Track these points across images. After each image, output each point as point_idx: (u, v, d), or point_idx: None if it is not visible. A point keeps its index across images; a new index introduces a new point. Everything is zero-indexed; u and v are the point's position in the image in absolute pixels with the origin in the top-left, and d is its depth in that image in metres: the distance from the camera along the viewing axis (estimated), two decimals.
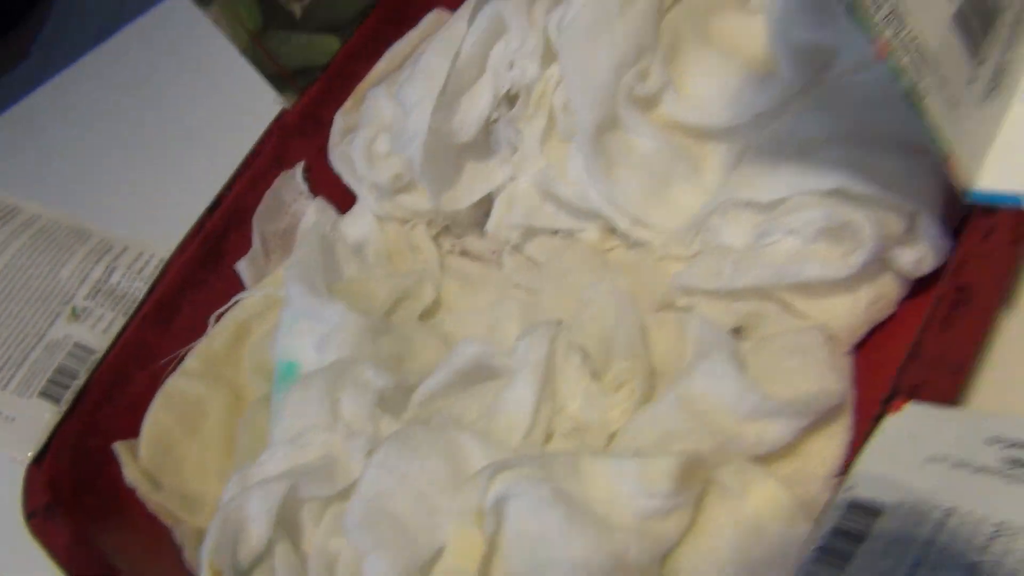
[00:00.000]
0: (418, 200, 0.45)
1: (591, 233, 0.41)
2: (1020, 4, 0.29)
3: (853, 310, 0.33)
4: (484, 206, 0.44)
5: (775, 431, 0.30)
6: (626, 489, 0.29)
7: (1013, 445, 0.21)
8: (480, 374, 0.36)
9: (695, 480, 0.30)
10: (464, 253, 0.46)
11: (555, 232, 0.42)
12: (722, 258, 0.35)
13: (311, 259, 0.42)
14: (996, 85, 0.28)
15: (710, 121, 0.37)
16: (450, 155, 0.43)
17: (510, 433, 0.33)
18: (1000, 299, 0.26)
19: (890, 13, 0.24)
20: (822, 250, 0.32)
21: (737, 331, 0.35)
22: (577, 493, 0.30)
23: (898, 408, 0.25)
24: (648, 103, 0.38)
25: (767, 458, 0.31)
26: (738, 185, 0.35)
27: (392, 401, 0.36)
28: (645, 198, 0.38)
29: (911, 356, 0.26)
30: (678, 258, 0.38)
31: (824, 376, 0.31)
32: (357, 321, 0.39)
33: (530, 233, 0.43)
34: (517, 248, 0.43)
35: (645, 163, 0.38)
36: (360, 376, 0.36)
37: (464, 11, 0.44)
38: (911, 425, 0.24)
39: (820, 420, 0.31)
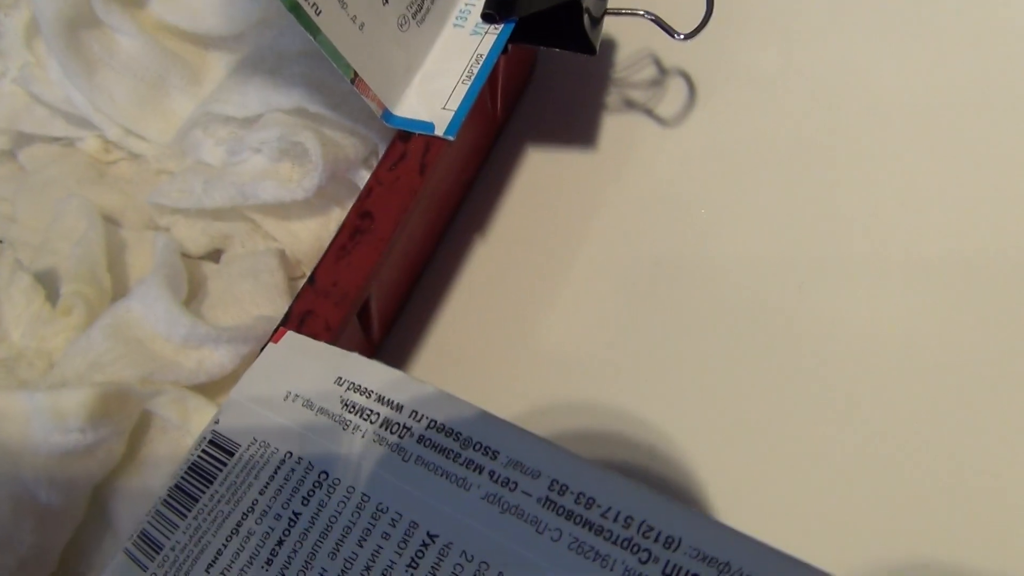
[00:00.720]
0: None
1: (90, 143, 0.37)
2: None
3: (321, 233, 0.32)
4: None
5: (216, 359, 0.29)
6: (39, 425, 0.27)
7: (352, 388, 0.21)
8: None
9: (123, 412, 0.28)
10: None
11: (54, 140, 0.38)
12: (196, 175, 0.33)
13: None
14: (423, 9, 0.28)
15: (203, 28, 0.34)
16: None
17: None
18: (398, 228, 0.26)
19: None
20: (284, 169, 0.31)
21: (215, 254, 0.34)
22: None
23: (278, 338, 0.24)
24: (133, 1, 0.34)
25: (212, 386, 0.30)
26: (218, 98, 0.33)
27: None
28: (136, 106, 0.35)
29: (308, 282, 0.26)
30: (173, 173, 0.36)
31: (272, 301, 0.30)
32: None
33: (22, 139, 0.38)
34: (9, 155, 0.38)
35: (133, 67, 0.35)
36: None
37: None
38: (284, 357, 0.23)
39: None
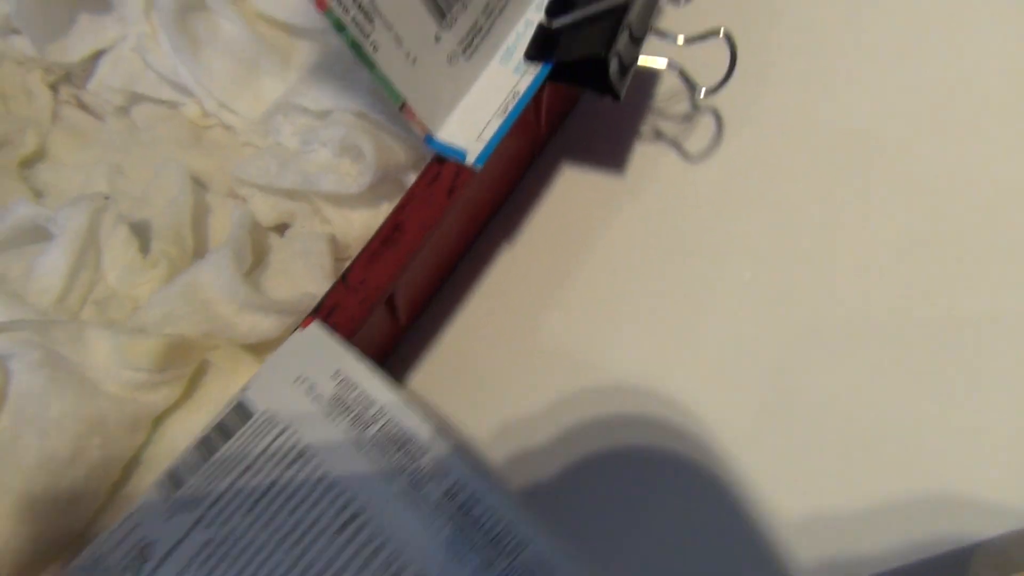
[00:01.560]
0: (29, 44, 0.44)
1: (191, 108, 0.42)
2: None
3: (371, 222, 0.37)
4: None
5: (266, 325, 0.34)
6: (116, 360, 0.33)
7: (342, 383, 0.26)
8: (33, 235, 0.37)
9: (185, 359, 0.33)
10: (82, 106, 0.46)
11: (161, 102, 0.43)
12: (273, 157, 0.37)
13: None
14: (472, 46, 0.31)
15: (292, 19, 0.39)
16: (60, 4, 0.43)
17: (42, 296, 0.35)
18: (423, 242, 0.30)
19: None
20: (344, 165, 0.35)
21: (282, 227, 0.39)
22: (75, 359, 0.33)
23: (305, 325, 0.29)
24: None
25: (259, 346, 0.35)
26: (298, 90, 0.37)
27: None
28: (231, 83, 0.40)
29: (340, 280, 0.30)
30: (257, 147, 0.40)
31: (317, 281, 0.35)
32: None
33: (135, 98, 0.43)
34: (124, 111, 0.44)
35: (232, 49, 0.39)
36: None
37: None
38: (305, 343, 0.28)
39: None
